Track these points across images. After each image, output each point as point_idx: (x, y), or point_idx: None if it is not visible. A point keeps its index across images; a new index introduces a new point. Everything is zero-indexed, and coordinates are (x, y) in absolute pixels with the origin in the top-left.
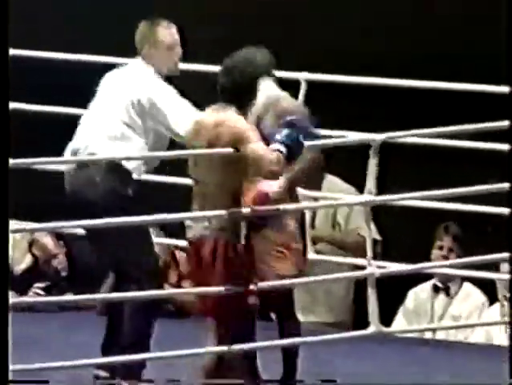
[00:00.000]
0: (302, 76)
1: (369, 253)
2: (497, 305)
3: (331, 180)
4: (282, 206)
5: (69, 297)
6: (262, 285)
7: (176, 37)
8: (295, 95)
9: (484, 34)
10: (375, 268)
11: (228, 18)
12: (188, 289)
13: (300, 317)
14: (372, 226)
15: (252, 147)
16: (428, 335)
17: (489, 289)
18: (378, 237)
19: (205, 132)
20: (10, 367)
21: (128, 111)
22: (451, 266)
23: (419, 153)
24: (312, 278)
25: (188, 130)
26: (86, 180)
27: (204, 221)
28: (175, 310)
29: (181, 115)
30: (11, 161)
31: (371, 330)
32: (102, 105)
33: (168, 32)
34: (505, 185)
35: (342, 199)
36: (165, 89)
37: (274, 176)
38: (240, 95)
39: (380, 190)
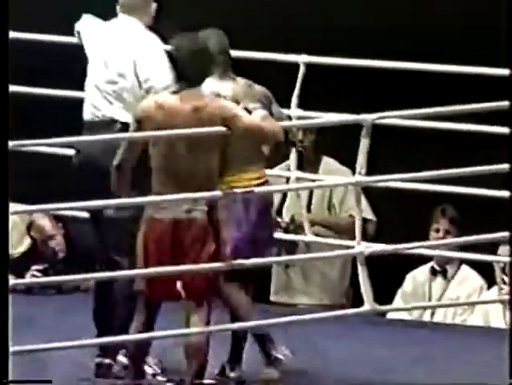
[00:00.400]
0: (301, 59)
1: (358, 232)
2: (495, 289)
3: (327, 161)
4: (275, 186)
5: (65, 277)
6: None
7: None
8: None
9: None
10: (365, 247)
11: None
12: (182, 268)
13: (295, 299)
14: (367, 206)
15: (246, 119)
16: (426, 318)
17: (487, 272)
18: (372, 217)
19: (182, 118)
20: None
21: (128, 70)
22: (446, 247)
23: (413, 136)
24: (301, 256)
25: (146, 106)
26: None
27: (183, 204)
28: None
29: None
30: (11, 143)
31: (365, 308)
32: (105, 65)
33: None
34: (503, 166)
35: (333, 180)
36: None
37: (280, 137)
38: (193, 77)
39: (373, 173)
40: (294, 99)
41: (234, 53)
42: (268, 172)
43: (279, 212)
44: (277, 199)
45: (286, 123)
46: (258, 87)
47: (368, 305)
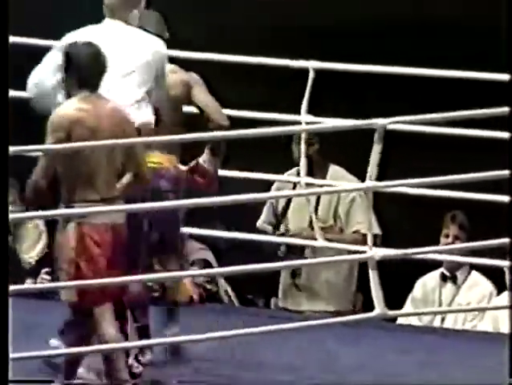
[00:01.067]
0: (311, 65)
1: (370, 237)
2: (505, 294)
3: (334, 169)
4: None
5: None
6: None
7: None
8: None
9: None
10: (376, 252)
11: None
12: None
13: (302, 306)
14: (373, 220)
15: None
16: (436, 324)
17: (497, 278)
18: (378, 231)
19: (106, 121)
20: (15, 355)
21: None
22: (455, 253)
23: (422, 140)
24: (311, 261)
25: (71, 113)
26: None
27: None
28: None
29: None
30: (12, 148)
31: (375, 312)
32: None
33: None
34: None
35: (342, 186)
36: None
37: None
38: (94, 81)
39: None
40: (304, 105)
41: (245, 58)
42: (276, 177)
43: (283, 217)
44: (282, 203)
45: (297, 127)
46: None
47: (379, 309)
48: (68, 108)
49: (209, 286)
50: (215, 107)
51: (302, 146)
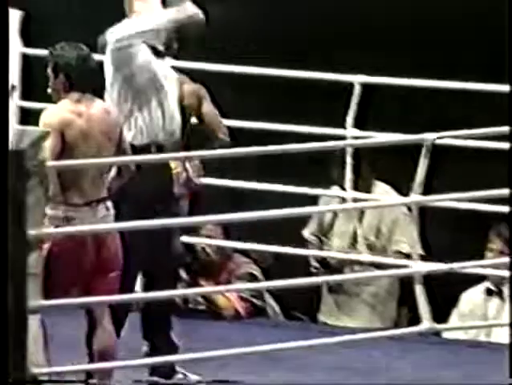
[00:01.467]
0: (357, 79)
1: (415, 251)
2: None
3: (379, 185)
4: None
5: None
6: None
7: None
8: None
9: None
10: (422, 266)
11: None
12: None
13: (343, 321)
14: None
15: None
16: (481, 338)
17: None
18: (421, 252)
19: (97, 122)
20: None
21: None
22: (502, 267)
23: (469, 153)
24: (356, 275)
25: (62, 115)
26: None
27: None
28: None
29: None
30: None
31: (423, 326)
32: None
33: None
34: None
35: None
36: None
37: None
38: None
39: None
40: (350, 119)
41: (289, 72)
42: (322, 191)
43: (329, 231)
44: (328, 217)
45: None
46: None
47: (426, 323)
48: (60, 110)
49: (255, 300)
50: (219, 120)
51: (349, 160)
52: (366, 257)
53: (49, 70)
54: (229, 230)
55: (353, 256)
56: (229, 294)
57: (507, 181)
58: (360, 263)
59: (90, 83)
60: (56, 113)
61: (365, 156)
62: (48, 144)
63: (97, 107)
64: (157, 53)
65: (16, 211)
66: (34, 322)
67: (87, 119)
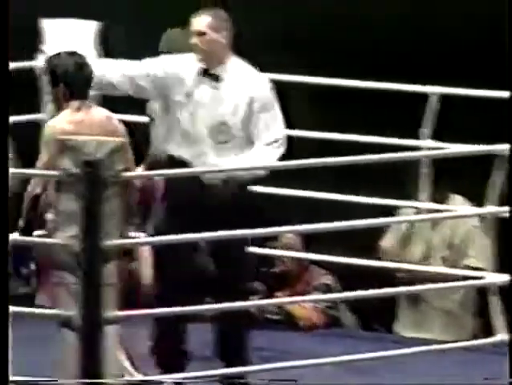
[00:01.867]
0: (432, 90)
1: (489, 263)
2: None
3: (454, 197)
4: None
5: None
6: None
7: None
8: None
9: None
10: (496, 277)
11: None
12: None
13: (418, 333)
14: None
15: None
16: None
17: None
18: (491, 266)
19: (98, 129)
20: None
21: None
22: None
23: None
24: (429, 286)
25: (63, 126)
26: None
27: None
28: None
29: None
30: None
31: (499, 338)
32: None
33: None
34: None
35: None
36: None
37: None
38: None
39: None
40: (425, 130)
41: (358, 83)
42: (399, 202)
43: (405, 243)
44: (403, 229)
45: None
46: None
47: (503, 335)
48: (61, 121)
49: (331, 311)
50: None
51: (425, 171)
52: (442, 269)
53: (47, 81)
54: (309, 241)
55: (429, 268)
56: (305, 305)
57: None
58: (434, 276)
59: (89, 89)
60: (57, 125)
61: (441, 167)
62: (45, 156)
63: (98, 113)
64: None
65: (91, 221)
66: (112, 331)
67: (89, 128)
